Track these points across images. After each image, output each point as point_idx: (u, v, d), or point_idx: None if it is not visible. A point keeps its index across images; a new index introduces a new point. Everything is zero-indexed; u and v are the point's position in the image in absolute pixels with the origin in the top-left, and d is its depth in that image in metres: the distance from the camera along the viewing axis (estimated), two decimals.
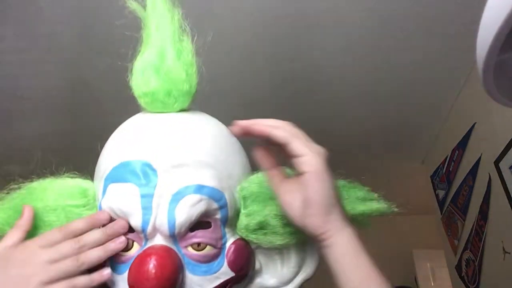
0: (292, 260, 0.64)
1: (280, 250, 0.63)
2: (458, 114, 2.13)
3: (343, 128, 2.28)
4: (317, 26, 1.62)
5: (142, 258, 0.53)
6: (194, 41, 0.64)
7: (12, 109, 1.97)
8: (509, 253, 1.72)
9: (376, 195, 0.65)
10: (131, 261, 0.54)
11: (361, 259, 0.52)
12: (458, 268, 2.25)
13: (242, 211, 0.60)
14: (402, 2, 1.52)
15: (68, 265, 0.52)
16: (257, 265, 0.63)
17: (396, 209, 0.65)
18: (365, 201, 0.64)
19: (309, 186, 0.52)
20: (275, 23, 1.60)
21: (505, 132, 1.69)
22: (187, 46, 0.63)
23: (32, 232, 0.57)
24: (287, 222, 0.57)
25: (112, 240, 0.55)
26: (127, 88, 0.63)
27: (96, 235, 0.55)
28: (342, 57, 1.79)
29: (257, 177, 0.62)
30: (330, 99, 2.06)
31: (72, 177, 0.63)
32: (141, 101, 0.63)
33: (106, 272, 0.55)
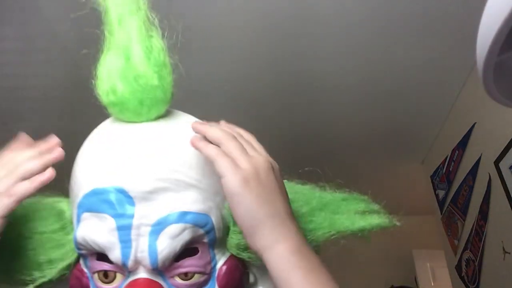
0: None
1: None
2: (458, 114, 2.13)
3: (343, 128, 2.28)
4: (316, 28, 1.62)
5: None
6: (165, 36, 0.54)
7: (12, 109, 1.97)
8: (509, 253, 1.72)
9: (376, 206, 0.60)
10: None
11: (294, 277, 0.47)
12: (458, 268, 2.25)
13: (232, 228, 0.55)
14: (401, 3, 1.52)
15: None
16: (251, 279, 0.58)
17: (397, 223, 0.61)
18: (364, 215, 0.59)
19: (230, 205, 0.50)
20: (275, 26, 1.60)
21: (505, 132, 1.69)
22: (157, 43, 0.54)
23: (7, 263, 0.53)
24: None
25: (41, 174, 0.50)
26: None
27: (30, 164, 0.50)
28: (342, 58, 1.79)
29: None
30: (330, 100, 2.06)
31: (46, 197, 0.57)
32: (110, 111, 0.56)
33: (49, 171, 0.50)
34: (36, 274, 0.54)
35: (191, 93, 1.82)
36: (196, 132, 0.54)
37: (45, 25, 1.52)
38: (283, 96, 2.01)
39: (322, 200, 0.57)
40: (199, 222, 0.51)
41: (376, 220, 0.59)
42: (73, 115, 2.02)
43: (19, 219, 0.54)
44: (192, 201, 0.51)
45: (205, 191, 0.53)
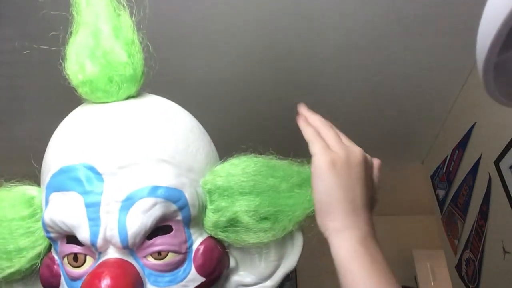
0: (271, 253, 0.57)
1: (257, 244, 0.56)
2: (458, 114, 2.13)
3: (342, 128, 2.27)
4: (316, 27, 1.62)
5: (93, 278, 0.45)
6: (134, 14, 0.54)
7: (12, 109, 1.97)
8: (509, 253, 1.72)
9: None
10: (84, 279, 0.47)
11: (355, 264, 0.48)
12: (458, 268, 2.25)
13: (209, 206, 0.53)
14: (401, 3, 1.52)
15: None
16: (232, 263, 0.56)
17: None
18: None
19: (312, 183, 0.52)
20: (276, 25, 1.60)
21: (505, 132, 1.69)
22: (126, 21, 0.54)
23: None
24: (261, 218, 0.52)
25: None
26: None
27: None
28: (341, 59, 1.79)
29: (223, 168, 0.55)
30: (329, 100, 2.06)
31: (15, 185, 0.56)
32: (80, 91, 0.55)
33: None
34: (4, 263, 0.53)
35: (187, 89, 1.82)
36: (300, 113, 0.59)
37: (45, 25, 1.52)
38: (283, 96, 2.01)
39: (301, 175, 0.55)
40: (171, 197, 0.49)
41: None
42: None
43: None
44: (163, 176, 0.49)
45: (178, 167, 0.51)
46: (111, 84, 0.53)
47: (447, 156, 2.29)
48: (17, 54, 1.64)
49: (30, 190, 0.55)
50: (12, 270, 0.53)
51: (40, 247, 0.53)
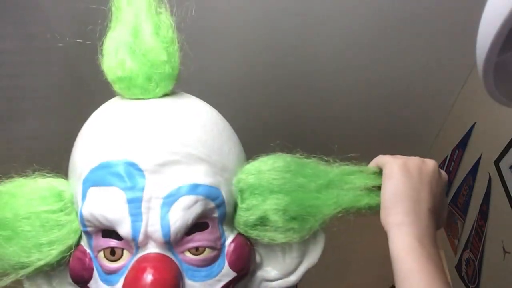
0: (294, 249, 0.59)
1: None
2: (458, 114, 2.12)
3: (342, 129, 2.27)
4: (318, 25, 1.62)
5: (138, 272, 0.47)
6: (174, 13, 0.55)
7: (12, 109, 1.97)
8: (509, 253, 1.72)
9: (380, 182, 0.59)
10: (123, 271, 0.49)
11: (409, 258, 0.51)
12: (458, 268, 2.25)
13: (240, 205, 0.55)
14: (401, 3, 1.52)
15: None
16: (257, 258, 0.58)
17: None
18: (371, 192, 0.60)
19: (382, 184, 0.56)
20: (277, 24, 1.60)
21: (505, 132, 1.69)
22: (166, 20, 0.55)
23: (4, 244, 0.51)
24: (289, 217, 0.53)
25: None
26: None
27: None
28: (341, 59, 1.79)
29: (254, 166, 0.56)
30: (329, 100, 2.06)
31: (43, 177, 0.56)
32: (116, 87, 0.55)
33: None
34: (35, 256, 0.53)
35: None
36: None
37: (45, 25, 1.52)
38: (283, 94, 2.01)
39: (328, 175, 0.58)
40: (211, 195, 0.51)
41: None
42: (73, 115, 2.02)
43: (16, 198, 0.53)
44: (203, 174, 0.51)
45: (214, 166, 0.53)
46: (150, 82, 0.53)
47: (447, 156, 2.29)
48: (17, 54, 1.64)
49: (58, 183, 0.55)
50: (42, 262, 0.53)
51: (71, 240, 0.54)
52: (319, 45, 1.72)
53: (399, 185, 0.55)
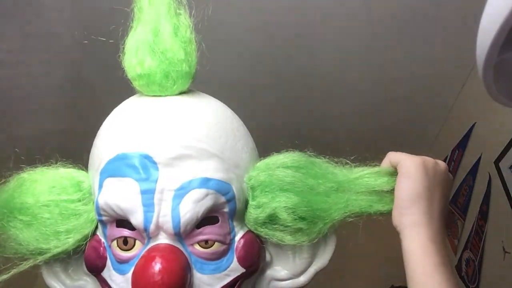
0: (304, 250, 0.59)
1: None
2: (458, 114, 2.12)
3: (343, 128, 2.27)
4: (318, 28, 1.62)
5: (147, 261, 0.48)
6: (193, 14, 0.57)
7: (12, 109, 1.97)
8: (509, 253, 1.72)
9: (394, 184, 0.58)
10: (134, 261, 0.50)
11: (425, 259, 0.52)
12: (458, 268, 2.25)
13: (251, 202, 0.56)
14: (401, 3, 1.52)
15: None
16: (267, 257, 0.59)
17: None
18: (382, 197, 0.58)
19: (397, 182, 0.55)
20: (278, 24, 1.60)
21: (505, 132, 1.69)
22: (185, 21, 0.57)
23: (24, 229, 0.53)
24: (298, 217, 0.54)
25: None
26: (128, 86, 0.59)
27: None
28: (342, 59, 1.79)
29: (266, 164, 0.57)
30: (329, 100, 2.06)
31: (64, 167, 0.58)
32: (136, 84, 0.57)
33: None
34: (53, 243, 0.54)
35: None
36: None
37: (45, 25, 1.52)
38: (284, 94, 2.01)
39: (338, 178, 0.57)
40: (221, 189, 0.52)
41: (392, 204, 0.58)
42: (73, 115, 2.02)
43: (38, 185, 0.55)
44: (214, 169, 0.52)
45: (227, 162, 0.54)
46: (167, 79, 0.55)
47: (447, 156, 2.29)
48: (17, 54, 1.64)
49: (78, 174, 0.57)
50: (59, 250, 0.55)
51: (87, 230, 0.55)
52: (319, 46, 1.72)
53: (416, 185, 0.54)
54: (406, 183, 0.54)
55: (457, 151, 2.16)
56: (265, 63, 1.81)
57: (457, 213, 2.20)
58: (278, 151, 0.58)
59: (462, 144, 2.09)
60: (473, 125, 1.97)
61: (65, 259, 0.59)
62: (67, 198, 0.55)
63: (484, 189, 1.88)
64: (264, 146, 0.61)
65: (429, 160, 0.56)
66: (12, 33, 1.54)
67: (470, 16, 1.45)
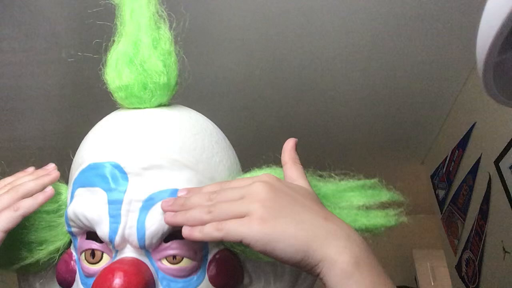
0: (286, 273, 0.56)
1: (273, 262, 0.54)
2: (458, 114, 2.13)
3: (343, 128, 2.27)
4: (318, 28, 1.62)
5: (106, 273, 0.45)
6: (173, 28, 0.57)
7: (12, 109, 1.97)
8: (509, 253, 1.72)
9: (385, 195, 0.56)
10: None
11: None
12: (458, 268, 2.25)
13: None
14: (401, 3, 1.52)
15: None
16: (246, 279, 0.55)
17: (404, 220, 0.56)
18: (369, 213, 0.54)
19: (273, 257, 0.45)
20: (278, 24, 1.60)
21: (505, 132, 1.69)
22: (165, 34, 0.56)
23: (9, 240, 0.51)
24: None
25: (43, 191, 0.52)
26: None
27: (29, 185, 0.52)
28: (342, 59, 1.79)
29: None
30: (329, 100, 2.06)
31: None
32: (116, 96, 0.57)
33: (49, 189, 0.52)
34: (24, 253, 0.54)
35: (193, 91, 1.81)
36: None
37: (45, 25, 1.52)
38: (282, 95, 2.01)
39: (320, 190, 0.54)
40: None
41: (380, 220, 0.54)
42: (73, 115, 2.02)
43: None
44: (186, 181, 0.50)
45: (201, 174, 0.52)
46: (145, 91, 0.55)
47: (447, 156, 2.29)
48: (17, 54, 1.64)
49: (56, 186, 0.56)
50: (30, 260, 0.54)
51: (60, 242, 0.55)
52: (320, 46, 1.72)
53: (289, 239, 0.43)
54: (278, 250, 0.42)
55: (457, 151, 2.16)
56: (265, 64, 1.81)
57: (457, 213, 2.20)
58: (262, 164, 0.56)
59: (462, 144, 2.09)
60: (473, 125, 1.97)
61: (43, 272, 0.58)
62: (42, 210, 0.53)
63: (484, 189, 1.88)
64: (252, 158, 0.59)
65: (258, 206, 0.43)
66: (12, 33, 1.54)
67: (470, 16, 1.45)
